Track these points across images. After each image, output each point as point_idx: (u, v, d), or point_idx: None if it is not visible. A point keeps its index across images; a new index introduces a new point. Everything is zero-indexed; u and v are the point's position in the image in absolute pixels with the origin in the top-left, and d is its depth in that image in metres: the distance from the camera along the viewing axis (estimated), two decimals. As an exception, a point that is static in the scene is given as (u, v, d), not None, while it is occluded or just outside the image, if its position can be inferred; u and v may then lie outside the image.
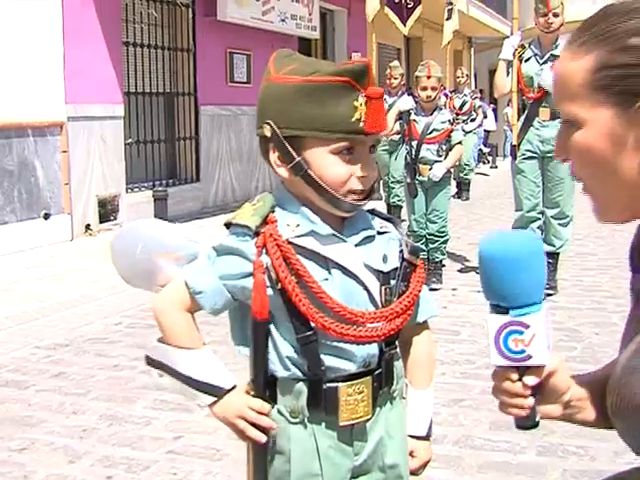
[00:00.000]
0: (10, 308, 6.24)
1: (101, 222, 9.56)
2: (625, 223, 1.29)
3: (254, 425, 1.71)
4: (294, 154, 1.67)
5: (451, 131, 7.15)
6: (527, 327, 1.30)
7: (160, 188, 9.02)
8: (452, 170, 7.66)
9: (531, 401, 1.34)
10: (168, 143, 11.41)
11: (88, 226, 9.32)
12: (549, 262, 6.70)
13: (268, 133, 1.68)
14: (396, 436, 1.81)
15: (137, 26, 10.52)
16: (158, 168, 11.14)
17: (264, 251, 1.67)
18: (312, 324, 1.67)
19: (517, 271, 1.28)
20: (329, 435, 1.74)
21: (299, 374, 1.72)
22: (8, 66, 8.24)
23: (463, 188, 13.59)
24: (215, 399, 1.73)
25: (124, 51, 10.26)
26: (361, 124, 1.62)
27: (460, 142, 7.23)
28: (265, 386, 1.74)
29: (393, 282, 1.76)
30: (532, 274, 1.30)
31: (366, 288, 1.72)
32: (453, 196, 11.37)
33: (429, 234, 7.19)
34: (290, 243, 1.68)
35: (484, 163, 21.01)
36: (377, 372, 1.75)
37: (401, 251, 1.79)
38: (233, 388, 1.74)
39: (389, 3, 10.63)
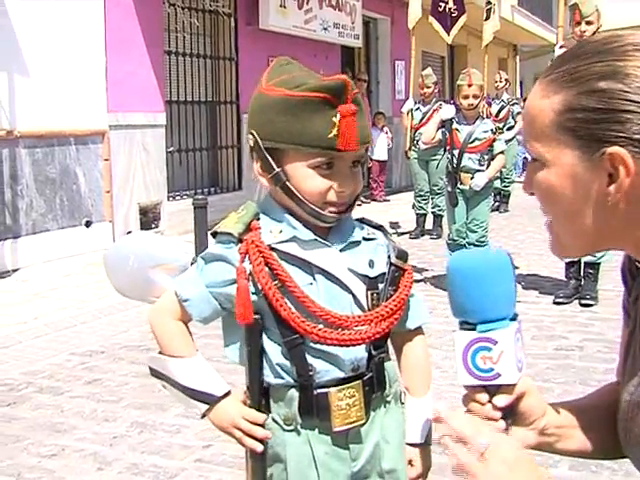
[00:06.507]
0: (48, 315, 6.31)
1: (142, 230, 9.62)
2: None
3: (249, 434, 1.72)
4: (274, 165, 1.69)
5: (493, 140, 7.07)
6: (495, 343, 1.28)
7: (200, 196, 9.03)
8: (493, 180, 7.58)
9: (502, 424, 1.29)
10: (210, 151, 11.47)
11: (129, 234, 9.37)
12: (590, 272, 6.60)
13: (252, 143, 1.70)
14: (393, 441, 1.80)
15: (179, 35, 10.59)
16: (200, 176, 11.20)
17: (247, 257, 1.67)
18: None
19: (483, 286, 1.28)
20: (324, 441, 1.73)
21: (289, 380, 1.71)
22: (51, 75, 8.34)
23: (502, 200, 12.97)
24: (209, 406, 1.74)
25: (166, 60, 10.34)
26: (337, 140, 1.61)
27: (502, 152, 7.14)
28: (260, 394, 1.74)
29: (381, 286, 1.76)
30: (499, 289, 1.29)
31: (351, 292, 1.72)
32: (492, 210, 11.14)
33: (469, 243, 7.11)
34: (273, 249, 1.69)
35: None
36: (367, 376, 1.75)
37: (389, 256, 1.78)
38: (226, 395, 1.75)
39: (433, 12, 10.51)
